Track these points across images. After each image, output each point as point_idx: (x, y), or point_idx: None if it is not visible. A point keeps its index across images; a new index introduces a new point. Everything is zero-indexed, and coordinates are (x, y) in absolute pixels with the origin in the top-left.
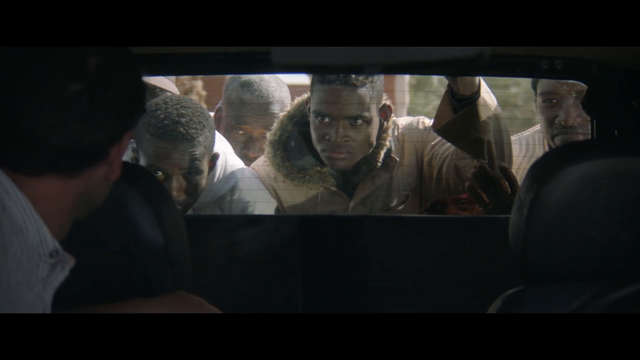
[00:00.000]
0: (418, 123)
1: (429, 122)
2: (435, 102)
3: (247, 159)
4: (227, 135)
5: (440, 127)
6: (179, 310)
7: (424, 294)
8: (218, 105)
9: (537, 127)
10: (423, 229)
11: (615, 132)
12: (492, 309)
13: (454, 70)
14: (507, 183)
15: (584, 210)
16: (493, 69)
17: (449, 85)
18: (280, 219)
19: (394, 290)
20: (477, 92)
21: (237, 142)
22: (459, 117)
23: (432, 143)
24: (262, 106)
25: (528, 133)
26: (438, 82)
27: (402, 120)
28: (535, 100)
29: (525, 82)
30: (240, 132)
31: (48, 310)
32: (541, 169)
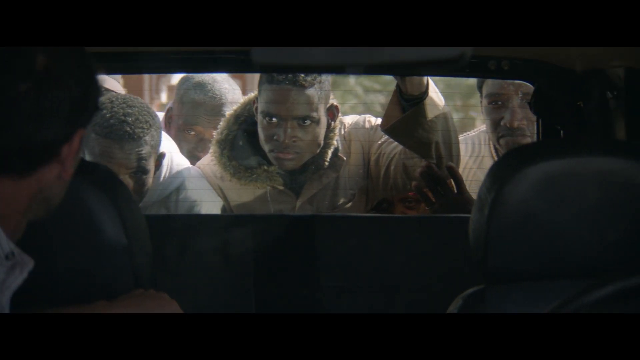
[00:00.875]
0: (364, 122)
1: (375, 120)
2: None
3: (198, 160)
4: (178, 136)
5: (389, 127)
6: (145, 307)
7: (377, 293)
8: (169, 106)
9: (483, 127)
10: (375, 228)
11: (561, 132)
12: (453, 307)
13: (430, 70)
14: (453, 182)
15: (544, 209)
16: (441, 69)
17: (397, 85)
18: (233, 218)
19: (346, 289)
20: (426, 92)
21: (188, 143)
22: (407, 117)
23: (379, 142)
24: (215, 107)
25: (474, 133)
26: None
27: (349, 119)
28: (481, 102)
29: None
30: (192, 132)
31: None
32: (502, 169)
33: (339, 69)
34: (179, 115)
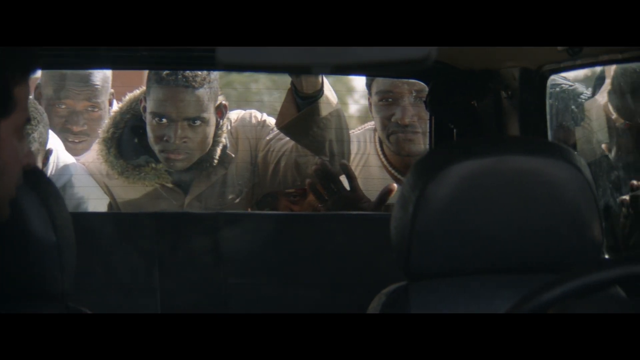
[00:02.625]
0: (251, 117)
1: (261, 116)
2: None
3: (72, 133)
4: (49, 111)
5: (284, 125)
6: None
7: (282, 290)
8: (38, 82)
9: (368, 125)
10: (281, 225)
11: (454, 130)
12: (376, 304)
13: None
14: (347, 180)
15: (468, 207)
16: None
17: (292, 83)
18: (136, 216)
19: (251, 287)
20: (321, 90)
21: (60, 117)
22: (303, 115)
23: (267, 138)
24: (83, 78)
25: (359, 131)
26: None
27: (234, 115)
28: (369, 99)
29: None
30: (63, 106)
31: None
32: (426, 166)
33: (306, 69)
34: (48, 90)
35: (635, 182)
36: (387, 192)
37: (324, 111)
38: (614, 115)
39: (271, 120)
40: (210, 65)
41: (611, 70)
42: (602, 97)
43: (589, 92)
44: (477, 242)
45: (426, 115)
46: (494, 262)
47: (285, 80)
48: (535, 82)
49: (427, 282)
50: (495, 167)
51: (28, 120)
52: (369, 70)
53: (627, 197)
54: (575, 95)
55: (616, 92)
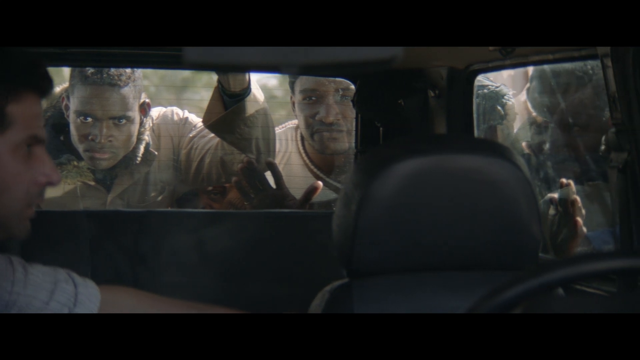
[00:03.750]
0: (172, 114)
1: (182, 113)
2: None
3: None
4: None
5: (211, 123)
6: None
7: (215, 288)
8: None
9: (290, 123)
10: (213, 223)
11: (381, 129)
12: (319, 301)
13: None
14: (273, 177)
15: (411, 205)
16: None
17: (219, 81)
18: (68, 215)
19: (183, 284)
20: (248, 89)
21: None
22: (230, 113)
23: (190, 135)
24: None
25: (280, 130)
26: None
27: (155, 112)
28: (291, 98)
29: None
30: None
31: None
32: (370, 165)
33: (274, 69)
34: None
35: (564, 179)
36: (312, 189)
37: (251, 109)
38: (534, 114)
39: (193, 118)
40: (177, 64)
41: (530, 70)
42: (523, 96)
43: (512, 92)
44: (419, 240)
45: (351, 113)
46: (437, 259)
47: (212, 78)
48: (463, 81)
49: (369, 279)
50: (438, 166)
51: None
52: (338, 70)
53: (555, 195)
54: (500, 95)
55: (535, 92)
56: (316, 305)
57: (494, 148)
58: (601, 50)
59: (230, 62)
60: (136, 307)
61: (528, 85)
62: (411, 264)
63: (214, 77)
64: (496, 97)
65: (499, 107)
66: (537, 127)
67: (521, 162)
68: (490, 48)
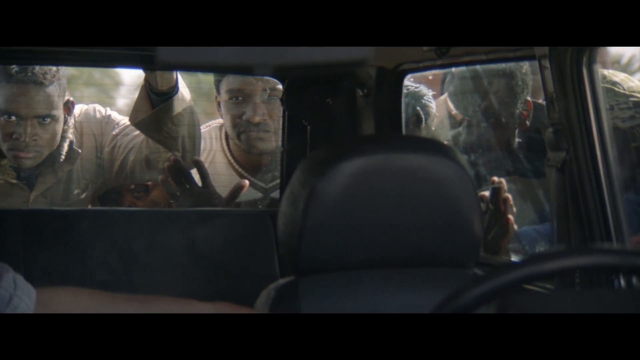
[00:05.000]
0: (95, 112)
1: (105, 110)
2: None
3: None
4: None
5: (139, 121)
6: None
7: (144, 286)
8: None
9: (215, 122)
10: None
11: (309, 128)
12: (265, 299)
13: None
14: (199, 176)
15: (357, 203)
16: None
17: (145, 80)
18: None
19: (114, 283)
20: (176, 87)
21: None
22: (158, 111)
23: (114, 133)
24: None
25: (205, 129)
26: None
27: (77, 109)
28: (217, 98)
29: None
30: None
31: None
32: (316, 164)
33: (247, 69)
34: None
35: (495, 178)
36: (239, 188)
37: (178, 108)
38: (454, 112)
39: (116, 115)
40: (149, 64)
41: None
42: (445, 95)
43: (431, 93)
44: (365, 238)
45: (278, 112)
46: (383, 256)
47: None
48: (392, 81)
49: (316, 276)
50: (384, 164)
51: None
52: (311, 70)
53: (485, 193)
54: (419, 96)
55: (456, 91)
56: (262, 303)
57: (438, 147)
58: (539, 51)
59: (204, 62)
60: (75, 303)
61: (449, 84)
62: (358, 261)
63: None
64: (416, 98)
65: (418, 108)
66: (458, 125)
67: (463, 161)
68: (425, 48)
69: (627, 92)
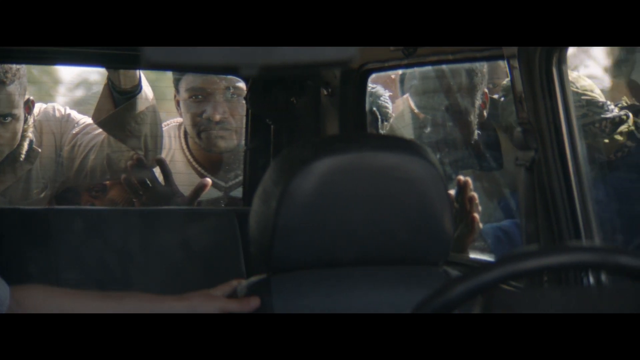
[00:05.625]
0: (54, 111)
1: (64, 109)
2: None
3: None
4: None
5: (102, 120)
6: None
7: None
8: None
9: (173, 121)
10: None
11: (272, 127)
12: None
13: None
14: (162, 175)
15: (330, 201)
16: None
17: (108, 78)
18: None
19: (81, 281)
20: (139, 86)
21: None
22: (121, 110)
23: (74, 132)
24: None
25: (165, 127)
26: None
27: (35, 108)
28: (175, 96)
29: None
30: None
31: None
32: (289, 162)
33: (233, 70)
34: None
35: (461, 177)
36: (201, 187)
37: (141, 106)
38: (416, 110)
39: (75, 114)
40: (135, 64)
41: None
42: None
43: (388, 93)
44: (338, 236)
45: (241, 111)
46: (355, 255)
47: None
48: (356, 80)
49: (288, 275)
50: (356, 163)
51: None
52: (295, 70)
53: (451, 192)
54: (376, 97)
55: (416, 89)
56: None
57: (411, 146)
58: (507, 50)
59: (190, 62)
60: (48, 301)
61: (409, 83)
62: (330, 260)
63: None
64: (373, 99)
65: (375, 109)
66: (421, 124)
67: (435, 160)
68: (392, 48)
69: (579, 91)
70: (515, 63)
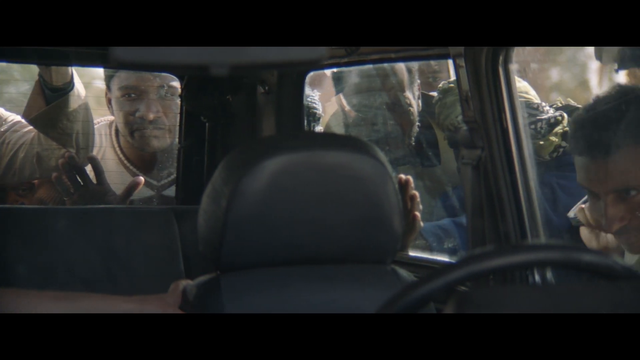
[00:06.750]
0: None
1: None
2: None
3: None
4: None
5: (33, 117)
6: None
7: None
8: None
9: (103, 119)
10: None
11: (207, 125)
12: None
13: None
14: (94, 173)
15: (281, 200)
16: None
17: (40, 75)
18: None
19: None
20: (71, 83)
21: None
22: (54, 107)
23: (2, 129)
24: None
25: (96, 125)
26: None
27: None
28: (107, 94)
29: None
30: None
31: None
32: (239, 161)
33: (202, 69)
34: None
35: (402, 176)
36: (134, 185)
37: (74, 104)
38: (347, 108)
39: (3, 111)
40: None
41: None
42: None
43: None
44: (288, 235)
45: (173, 109)
46: (305, 253)
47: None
48: (294, 78)
49: (238, 273)
50: (307, 162)
51: None
52: (265, 69)
53: None
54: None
55: (352, 88)
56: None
57: (360, 145)
58: (453, 49)
59: (159, 61)
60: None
61: (338, 82)
62: (280, 258)
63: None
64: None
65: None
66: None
67: (384, 158)
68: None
69: None
70: (462, 62)
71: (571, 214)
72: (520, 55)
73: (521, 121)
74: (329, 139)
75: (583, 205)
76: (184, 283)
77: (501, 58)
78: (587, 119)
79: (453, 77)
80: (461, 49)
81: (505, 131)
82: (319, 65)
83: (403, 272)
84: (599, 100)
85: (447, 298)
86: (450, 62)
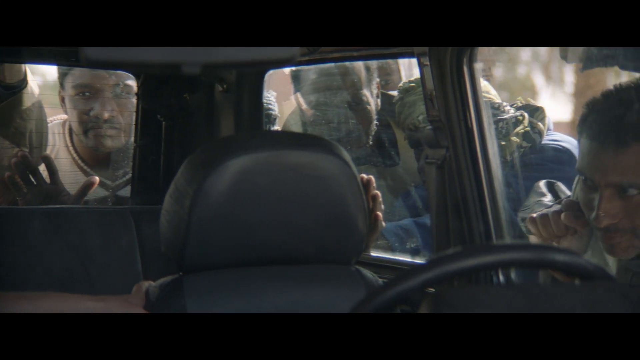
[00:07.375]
0: None
1: None
2: None
3: None
4: None
5: None
6: None
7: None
8: None
9: (57, 118)
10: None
11: (164, 123)
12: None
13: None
14: (48, 172)
15: (245, 200)
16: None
17: None
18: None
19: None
20: (24, 80)
21: None
22: (7, 106)
23: None
24: None
25: (49, 124)
26: None
27: None
28: (60, 92)
29: None
30: None
31: None
32: (203, 161)
33: (174, 68)
34: None
35: (364, 175)
36: (88, 185)
37: (27, 102)
38: (304, 107)
39: None
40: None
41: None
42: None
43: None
44: (252, 235)
45: (128, 108)
46: (269, 254)
47: None
48: (253, 77)
49: (201, 274)
50: (271, 161)
51: None
52: (237, 68)
53: None
54: None
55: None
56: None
57: (325, 144)
58: (418, 48)
59: (131, 61)
60: None
61: (297, 81)
62: (244, 259)
63: None
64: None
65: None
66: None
67: (348, 158)
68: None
69: None
70: (426, 61)
71: (520, 218)
72: (485, 54)
73: (486, 120)
74: (293, 139)
75: (534, 215)
76: (147, 284)
77: (466, 57)
78: (606, 104)
79: (405, 79)
80: (426, 47)
81: (470, 130)
82: (291, 63)
83: (367, 273)
84: (621, 88)
85: (417, 301)
86: (401, 63)
